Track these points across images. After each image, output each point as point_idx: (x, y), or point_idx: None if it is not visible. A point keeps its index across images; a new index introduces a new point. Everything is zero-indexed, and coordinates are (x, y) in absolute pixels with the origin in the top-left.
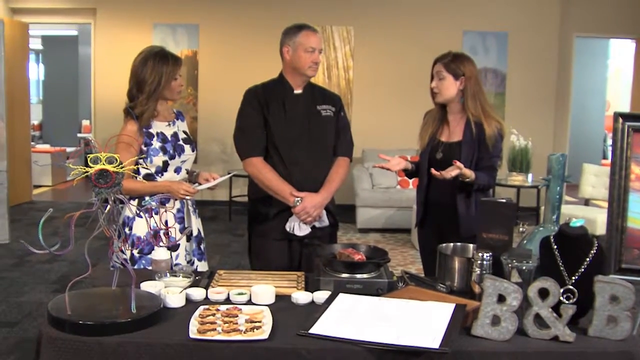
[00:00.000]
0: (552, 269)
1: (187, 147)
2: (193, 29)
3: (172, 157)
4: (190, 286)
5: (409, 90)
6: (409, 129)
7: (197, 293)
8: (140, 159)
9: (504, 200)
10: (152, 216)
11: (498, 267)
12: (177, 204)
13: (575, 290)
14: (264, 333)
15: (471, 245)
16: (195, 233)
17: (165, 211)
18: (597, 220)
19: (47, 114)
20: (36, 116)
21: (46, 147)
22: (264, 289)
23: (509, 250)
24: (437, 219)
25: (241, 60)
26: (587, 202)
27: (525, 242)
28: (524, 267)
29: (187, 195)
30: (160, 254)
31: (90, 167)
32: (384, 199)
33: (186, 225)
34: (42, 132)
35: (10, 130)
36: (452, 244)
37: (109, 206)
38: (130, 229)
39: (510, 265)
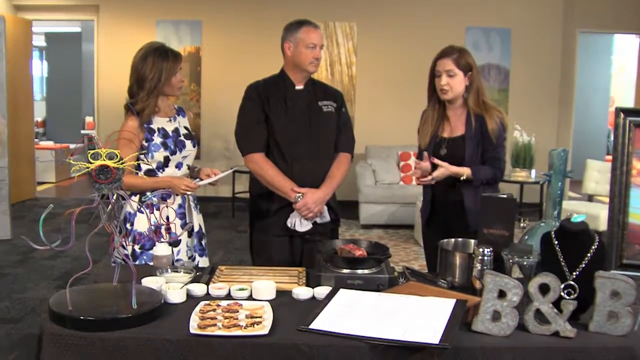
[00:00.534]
0: (553, 265)
1: (188, 143)
2: (196, 26)
3: (173, 153)
4: (192, 282)
5: (412, 86)
6: (412, 125)
7: (198, 289)
8: (142, 154)
9: (504, 196)
10: (153, 212)
11: (499, 262)
12: (179, 200)
13: (576, 286)
14: (264, 328)
15: (472, 241)
16: (196, 229)
17: (167, 207)
18: (600, 216)
19: (51, 110)
20: (40, 113)
21: (50, 143)
22: (265, 285)
23: (510, 245)
24: (444, 216)
25: (244, 56)
26: (590, 198)
27: (526, 237)
28: (524, 263)
29: (189, 191)
30: (161, 249)
31: (91, 163)
32: (387, 195)
33: (187, 221)
34: (46, 129)
35: (14, 127)
36: (453, 240)
37: (111, 203)
38: (132, 224)
39: (511, 260)
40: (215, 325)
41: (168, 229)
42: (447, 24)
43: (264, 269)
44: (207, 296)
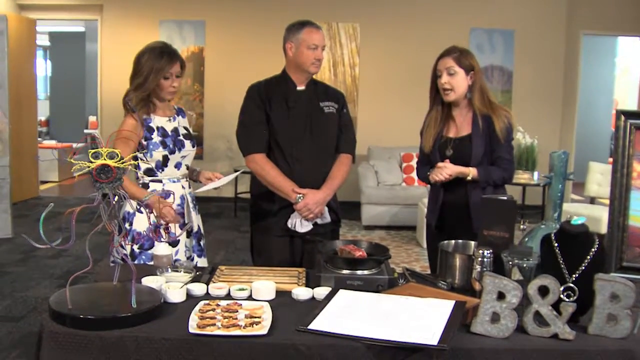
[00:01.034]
0: (552, 267)
1: (187, 143)
2: (199, 26)
3: (172, 152)
4: (191, 281)
5: (415, 87)
6: (415, 126)
7: (198, 288)
8: (141, 153)
9: (505, 198)
10: (152, 211)
11: (499, 264)
12: (177, 200)
13: (576, 288)
14: (263, 328)
15: (472, 243)
16: (195, 229)
17: (164, 206)
18: (602, 218)
19: (54, 110)
20: (43, 112)
21: (53, 143)
22: (265, 285)
23: (510, 247)
24: (451, 219)
25: (247, 56)
26: (592, 201)
27: (526, 239)
28: (524, 265)
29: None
30: (161, 249)
31: (92, 162)
32: (389, 197)
33: (186, 221)
34: (49, 128)
35: (17, 126)
36: (453, 241)
37: (113, 201)
38: (131, 224)
39: (511, 262)
40: (214, 325)
41: (166, 229)
42: (450, 25)
43: (263, 269)
44: (207, 296)
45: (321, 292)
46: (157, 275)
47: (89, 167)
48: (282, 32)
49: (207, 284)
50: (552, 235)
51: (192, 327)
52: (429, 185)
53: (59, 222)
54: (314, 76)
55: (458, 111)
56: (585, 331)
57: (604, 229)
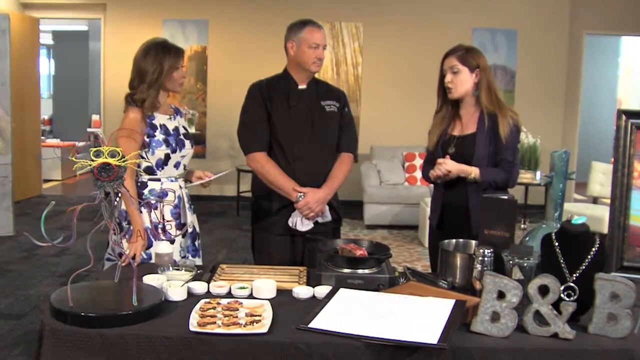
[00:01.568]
0: (553, 266)
1: (187, 142)
2: (202, 25)
3: (173, 151)
4: (192, 280)
5: (418, 87)
6: (417, 125)
7: (199, 287)
8: (142, 150)
9: (505, 197)
10: (152, 210)
11: (499, 263)
12: (175, 200)
13: (576, 288)
14: (263, 327)
15: (473, 242)
16: (190, 229)
17: (164, 205)
18: (604, 218)
19: (58, 108)
20: (46, 111)
21: (56, 141)
22: (265, 283)
23: (511, 247)
24: (453, 220)
25: (250, 55)
26: (595, 200)
27: (527, 239)
28: (525, 264)
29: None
30: (162, 247)
31: (93, 161)
32: (392, 196)
33: (182, 221)
34: (53, 127)
35: (21, 124)
36: (454, 240)
37: (115, 200)
38: (128, 222)
39: (511, 262)
40: (215, 323)
41: (163, 228)
42: (453, 25)
43: (264, 267)
44: (208, 294)
45: (322, 290)
46: (158, 273)
47: (90, 165)
48: (285, 31)
49: (208, 282)
50: (553, 234)
51: (193, 325)
52: (432, 185)
53: (61, 220)
54: (315, 75)
55: (465, 110)
56: (585, 331)
57: (606, 229)
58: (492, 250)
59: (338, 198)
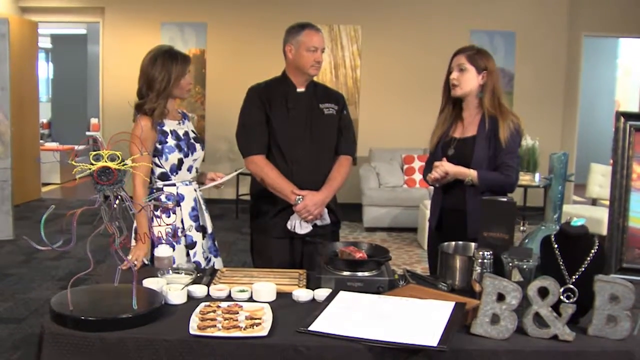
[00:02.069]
0: (552, 268)
1: (197, 146)
2: (201, 28)
3: (186, 155)
4: (192, 283)
5: (417, 89)
6: (416, 128)
7: (199, 290)
8: (155, 157)
9: (504, 199)
10: (169, 215)
11: (499, 266)
12: (191, 202)
13: (576, 290)
14: (263, 330)
15: (473, 244)
16: (209, 230)
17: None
18: (603, 220)
19: (56, 112)
20: (45, 114)
21: (55, 145)
22: (265, 287)
23: (510, 249)
24: (451, 223)
25: (249, 58)
26: (594, 202)
27: (526, 241)
28: (524, 266)
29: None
30: (162, 251)
31: (93, 165)
32: (391, 198)
33: (201, 223)
34: (51, 130)
35: (19, 128)
36: (453, 243)
37: (114, 203)
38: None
39: (510, 264)
40: (215, 326)
41: (175, 233)
42: (451, 28)
43: (264, 270)
44: (208, 297)
45: (321, 293)
46: (157, 277)
47: (90, 169)
48: (283, 34)
49: (208, 285)
50: (552, 236)
51: (193, 329)
52: (431, 187)
53: (60, 224)
54: (314, 78)
55: (467, 111)
56: (584, 332)
57: (605, 231)
58: (491, 252)
59: (337, 201)
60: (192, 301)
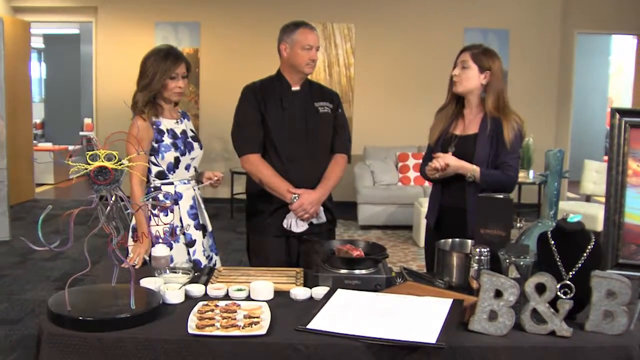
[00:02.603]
0: (549, 265)
1: (195, 145)
2: (194, 27)
3: (182, 154)
4: (190, 282)
5: (411, 87)
6: (410, 126)
7: (197, 289)
8: (152, 156)
9: (501, 196)
10: (157, 215)
11: (496, 262)
12: (190, 201)
13: (572, 286)
14: (261, 328)
15: (469, 241)
16: (210, 229)
17: (179, 208)
18: (598, 216)
19: (50, 112)
20: (38, 115)
21: (48, 145)
22: (263, 285)
23: (507, 245)
24: (451, 222)
25: (243, 57)
26: (588, 199)
27: (523, 237)
28: (521, 263)
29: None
30: (159, 250)
31: (90, 164)
32: (385, 196)
33: (200, 222)
34: (45, 131)
35: (13, 128)
36: (450, 240)
37: (110, 204)
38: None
39: (507, 260)
40: (213, 325)
41: (172, 233)
42: (445, 26)
43: (262, 269)
44: (206, 297)
45: (319, 291)
46: (155, 276)
47: (86, 169)
48: (277, 33)
49: (206, 284)
50: (549, 233)
51: (191, 328)
52: (427, 184)
53: (55, 224)
54: (309, 76)
55: (469, 109)
56: (582, 328)
57: (600, 227)
58: (488, 249)
59: (332, 199)
60: (190, 300)
